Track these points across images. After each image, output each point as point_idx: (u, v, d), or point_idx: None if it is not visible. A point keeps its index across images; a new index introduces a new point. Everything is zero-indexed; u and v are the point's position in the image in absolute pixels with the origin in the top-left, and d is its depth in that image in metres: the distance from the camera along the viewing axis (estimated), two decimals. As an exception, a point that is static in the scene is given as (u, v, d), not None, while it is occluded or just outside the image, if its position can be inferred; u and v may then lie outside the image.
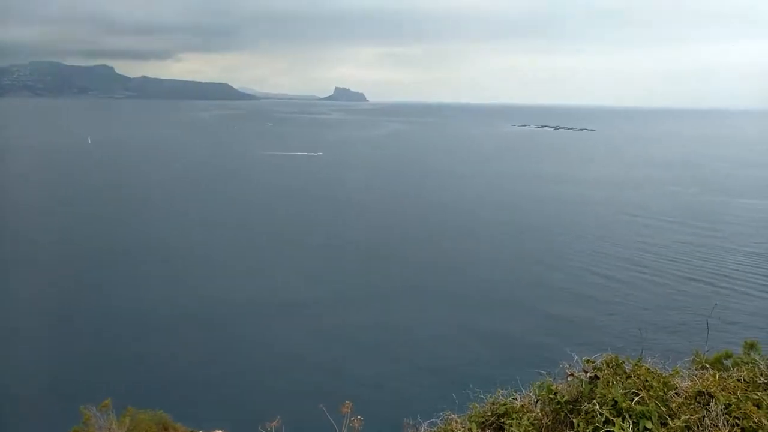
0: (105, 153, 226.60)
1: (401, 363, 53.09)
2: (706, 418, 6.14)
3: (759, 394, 6.64)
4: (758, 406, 6.21)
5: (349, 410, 9.55)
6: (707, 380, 6.86)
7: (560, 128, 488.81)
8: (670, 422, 6.20)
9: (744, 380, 7.16)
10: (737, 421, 5.94)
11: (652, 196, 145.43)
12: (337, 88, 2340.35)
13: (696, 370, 8.04)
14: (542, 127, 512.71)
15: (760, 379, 7.10)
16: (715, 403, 6.20)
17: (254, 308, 66.25)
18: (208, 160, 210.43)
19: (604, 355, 8.10)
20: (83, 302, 67.00)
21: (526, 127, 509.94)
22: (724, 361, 9.12)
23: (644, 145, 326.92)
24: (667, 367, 8.22)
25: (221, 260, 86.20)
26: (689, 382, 7.18)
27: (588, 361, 8.27)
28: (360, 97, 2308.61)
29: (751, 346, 9.08)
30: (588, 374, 7.99)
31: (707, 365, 8.18)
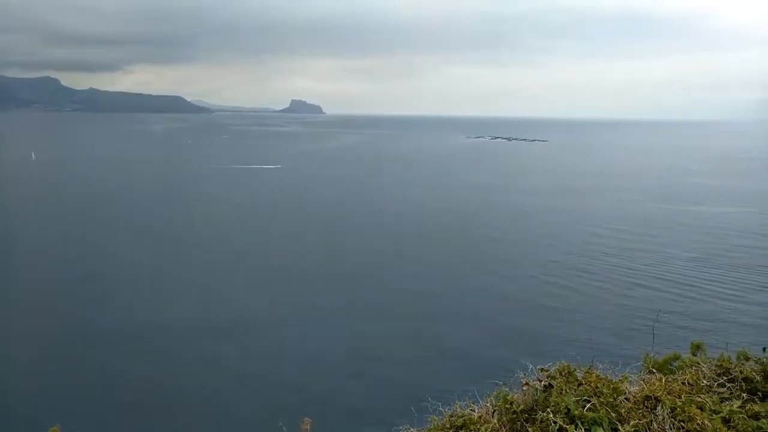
0: (51, 169, 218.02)
1: (359, 378, 52.75)
2: (653, 422, 6.35)
3: (702, 396, 6.92)
4: (701, 408, 6.47)
5: (308, 427, 9.45)
6: (654, 385, 7.11)
7: (513, 139, 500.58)
8: (620, 427, 6.40)
9: (688, 383, 7.46)
10: (682, 424, 6.17)
11: (599, 204, 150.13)
12: (293, 101, 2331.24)
13: (644, 374, 8.33)
14: (496, 138, 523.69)
15: (702, 382, 7.42)
16: (662, 407, 6.44)
17: (208, 327, 64.62)
18: (163, 174, 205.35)
19: (557, 363, 8.31)
20: (18, 322, 64.00)
21: (480, 139, 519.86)
22: (673, 364, 9.43)
23: (593, 154, 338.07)
24: (616, 372, 8.49)
25: (175, 277, 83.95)
26: (637, 387, 7.43)
27: (542, 369, 8.46)
28: (317, 109, 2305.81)
29: (697, 347, 9.43)
30: (542, 383, 8.17)
31: (654, 370, 8.48)
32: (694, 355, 9.20)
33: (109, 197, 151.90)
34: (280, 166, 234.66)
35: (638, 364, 8.85)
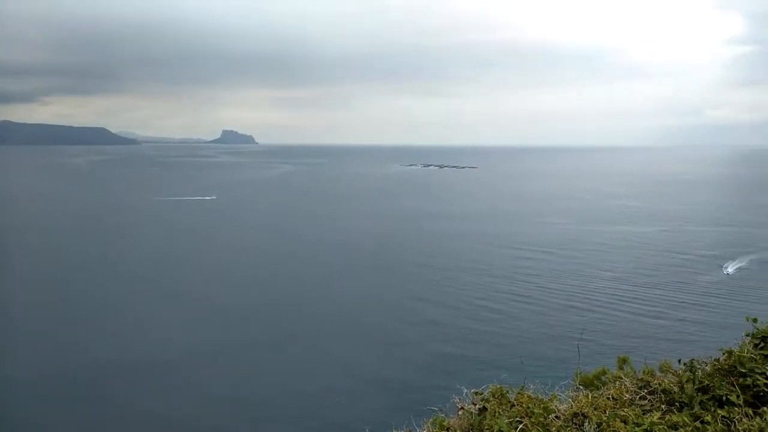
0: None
1: (293, 416, 51.33)
2: (581, 439, 6.54)
3: (625, 410, 7.21)
4: (625, 421, 6.73)
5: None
6: (581, 401, 7.35)
7: (445, 167, 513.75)
8: (550, 446, 6.53)
9: (612, 398, 7.76)
10: (608, 438, 6.39)
11: (526, 228, 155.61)
12: (224, 131, 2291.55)
13: (573, 391, 8.60)
14: (428, 166, 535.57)
15: (625, 396, 7.74)
16: (589, 423, 6.65)
17: (127, 366, 61.18)
18: (88, 209, 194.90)
19: (490, 386, 8.44)
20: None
21: (413, 167, 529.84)
22: (602, 378, 9.76)
23: (519, 180, 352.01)
24: (547, 391, 8.71)
25: (102, 314, 79.22)
26: (566, 405, 7.65)
27: (476, 393, 8.55)
28: (249, 139, 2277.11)
29: (623, 361, 9.81)
30: (477, 406, 8.26)
31: (582, 386, 8.76)
32: (621, 369, 9.55)
33: (28, 235, 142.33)
34: (215, 197, 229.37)
35: (566, 381, 9.11)
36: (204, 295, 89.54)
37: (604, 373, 9.68)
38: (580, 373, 9.75)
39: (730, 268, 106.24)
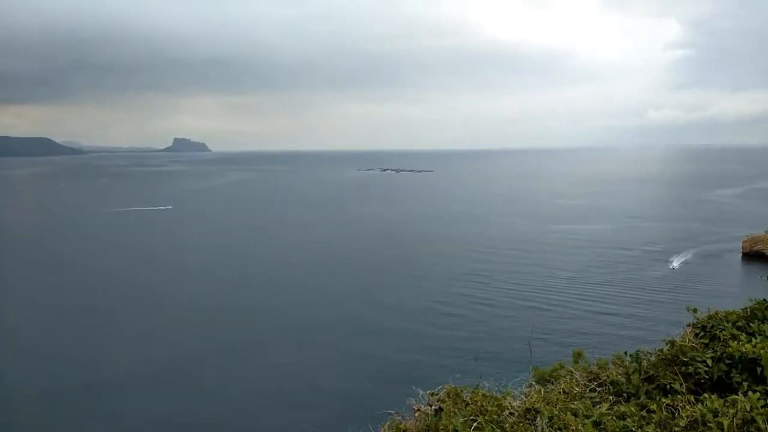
0: None
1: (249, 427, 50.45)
2: (534, 433, 6.64)
3: (576, 403, 7.37)
4: (575, 414, 6.87)
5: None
6: (533, 397, 7.47)
7: (402, 171, 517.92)
8: (504, 442, 6.61)
9: (564, 392, 7.93)
10: (559, 431, 6.51)
11: (482, 229, 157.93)
12: (176, 139, 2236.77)
13: (526, 388, 8.74)
14: (385, 170, 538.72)
15: (575, 390, 7.92)
16: (540, 418, 6.76)
17: (82, 381, 58.84)
18: (34, 223, 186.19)
19: (445, 386, 8.48)
20: None
21: (371, 171, 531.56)
22: (559, 373, 9.95)
23: (475, 182, 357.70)
24: (502, 390, 8.82)
25: (49, 330, 75.78)
26: (519, 401, 7.77)
27: (432, 394, 8.59)
28: (202, 147, 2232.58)
29: (578, 356, 10.03)
30: (433, 407, 8.29)
31: (533, 382, 8.92)
32: (576, 363, 9.76)
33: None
34: (170, 207, 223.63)
35: (521, 378, 9.24)
36: (159, 307, 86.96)
37: (561, 367, 9.87)
38: (537, 369, 9.92)
39: (676, 263, 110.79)
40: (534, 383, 8.71)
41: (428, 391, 8.62)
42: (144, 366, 63.66)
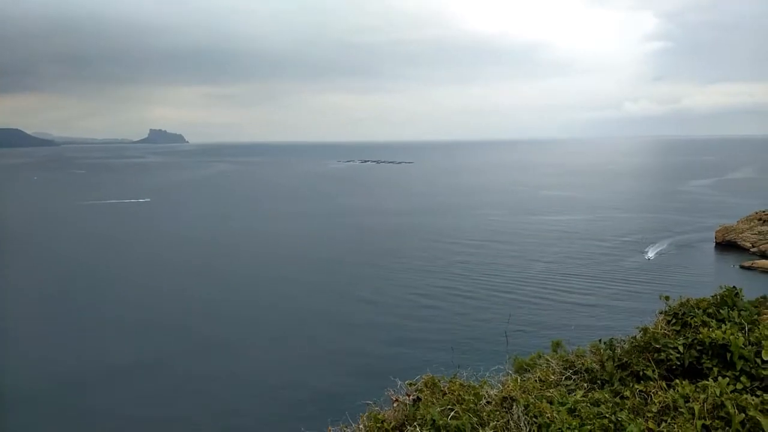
0: None
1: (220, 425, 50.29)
2: (510, 422, 6.71)
3: (551, 391, 7.47)
4: (551, 402, 6.97)
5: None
6: (509, 385, 7.54)
7: (382, 162, 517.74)
8: (480, 430, 6.67)
9: (540, 380, 8.02)
10: (535, 419, 6.59)
11: (462, 221, 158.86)
12: (152, 130, 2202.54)
13: (503, 377, 8.82)
14: (365, 161, 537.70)
15: (551, 378, 8.02)
16: (516, 406, 6.83)
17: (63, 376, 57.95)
18: (8, 216, 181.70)
19: (423, 376, 8.51)
20: None
21: (351, 163, 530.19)
22: (538, 362, 10.06)
23: (455, 174, 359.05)
24: (479, 379, 8.89)
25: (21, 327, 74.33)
26: (496, 390, 7.84)
27: (410, 384, 8.61)
28: (179, 138, 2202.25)
29: (557, 345, 10.16)
30: (411, 397, 8.31)
31: (511, 372, 9.01)
32: (555, 352, 9.89)
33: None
34: (149, 200, 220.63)
35: (499, 367, 9.29)
36: (138, 301, 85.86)
37: (540, 357, 9.99)
38: (516, 359, 10.03)
39: (651, 253, 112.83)
40: (511, 372, 8.79)
41: (406, 381, 8.65)
42: (119, 362, 62.88)
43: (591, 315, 76.12)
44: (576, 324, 70.82)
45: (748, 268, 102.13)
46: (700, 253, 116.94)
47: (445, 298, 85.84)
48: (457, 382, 8.26)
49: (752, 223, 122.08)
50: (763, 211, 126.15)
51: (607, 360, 7.90)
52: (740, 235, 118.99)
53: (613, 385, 7.51)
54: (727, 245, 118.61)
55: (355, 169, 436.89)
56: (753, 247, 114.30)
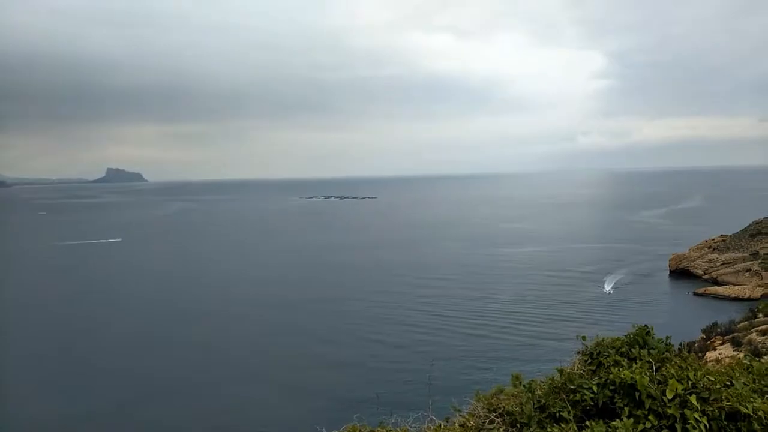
0: None
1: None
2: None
3: None
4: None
5: None
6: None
7: (345, 197, 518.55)
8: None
9: (460, 425, 8.03)
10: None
11: (424, 256, 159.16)
12: (109, 169, 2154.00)
13: (427, 423, 8.79)
14: (329, 197, 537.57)
15: (471, 423, 8.04)
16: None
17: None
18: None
19: (347, 426, 8.43)
20: None
21: (314, 199, 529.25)
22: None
23: (418, 208, 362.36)
24: (410, 425, 8.82)
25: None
26: None
27: (335, 435, 8.51)
28: (137, 177, 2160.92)
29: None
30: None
31: (433, 417, 8.99)
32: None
33: None
34: (120, 239, 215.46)
35: (420, 414, 9.21)
36: (132, 340, 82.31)
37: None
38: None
39: (608, 284, 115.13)
40: (434, 417, 8.77)
41: (333, 431, 8.55)
42: (93, 403, 59.89)
43: (548, 348, 75.83)
44: (539, 358, 69.89)
45: (701, 295, 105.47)
46: (656, 281, 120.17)
47: (402, 336, 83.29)
48: (384, 430, 8.21)
49: (703, 251, 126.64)
50: (713, 239, 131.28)
51: (526, 402, 8.00)
52: (692, 263, 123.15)
53: (531, 427, 7.59)
54: (680, 273, 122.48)
55: (318, 205, 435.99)
56: (705, 274, 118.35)
